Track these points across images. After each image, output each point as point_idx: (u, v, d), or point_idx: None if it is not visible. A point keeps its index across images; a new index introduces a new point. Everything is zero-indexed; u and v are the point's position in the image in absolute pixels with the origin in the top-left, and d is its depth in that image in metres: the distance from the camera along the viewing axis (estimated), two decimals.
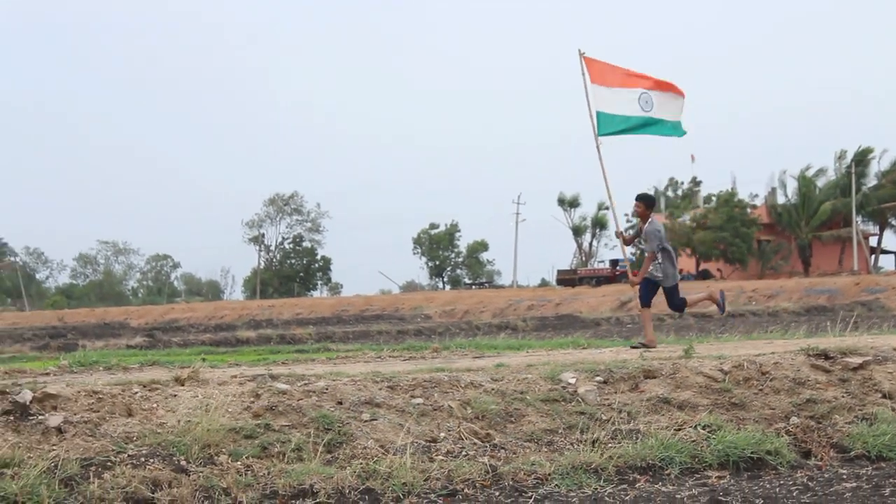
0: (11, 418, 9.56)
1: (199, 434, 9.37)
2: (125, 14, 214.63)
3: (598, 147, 17.10)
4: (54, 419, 9.55)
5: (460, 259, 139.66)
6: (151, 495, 8.32)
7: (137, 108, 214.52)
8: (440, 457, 9.72)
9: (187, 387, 11.00)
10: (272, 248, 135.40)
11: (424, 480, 9.11)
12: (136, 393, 10.58)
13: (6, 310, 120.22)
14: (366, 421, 10.29)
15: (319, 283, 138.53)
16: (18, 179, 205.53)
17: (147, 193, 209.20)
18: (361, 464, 9.28)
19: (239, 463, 9.06)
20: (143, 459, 8.87)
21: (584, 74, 17.25)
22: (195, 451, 9.14)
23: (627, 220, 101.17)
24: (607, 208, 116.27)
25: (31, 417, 9.60)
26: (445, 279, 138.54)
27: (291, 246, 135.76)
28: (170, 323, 67.24)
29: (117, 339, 44.80)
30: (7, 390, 10.17)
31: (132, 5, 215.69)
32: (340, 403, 10.59)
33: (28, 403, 9.81)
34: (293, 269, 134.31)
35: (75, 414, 9.76)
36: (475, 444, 10.23)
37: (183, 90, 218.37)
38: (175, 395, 10.58)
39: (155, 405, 10.31)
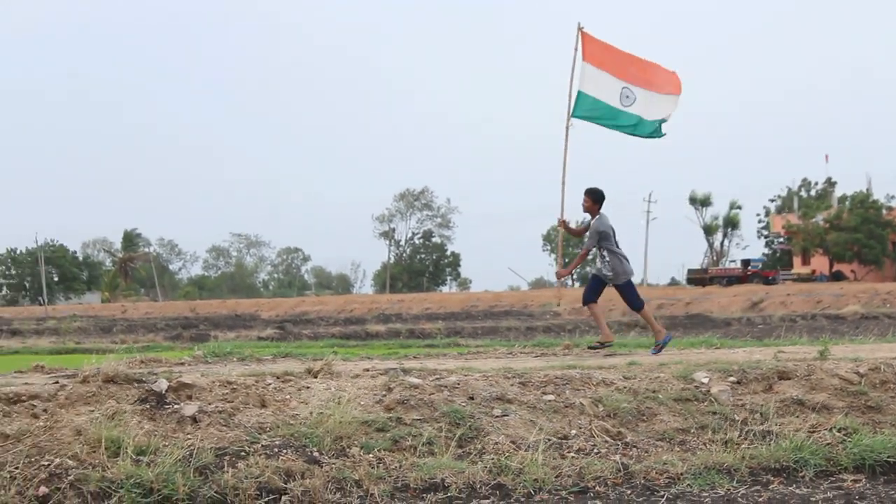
0: (147, 407, 9.71)
1: (332, 426, 9.42)
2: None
3: (567, 127, 16.35)
4: (189, 408, 9.68)
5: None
6: (284, 486, 8.38)
7: (270, 106, 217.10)
8: (571, 454, 9.64)
9: (320, 379, 11.07)
10: (402, 242, 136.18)
11: (555, 477, 9.04)
12: (270, 384, 10.68)
13: (140, 300, 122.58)
14: (497, 416, 10.26)
15: (448, 278, 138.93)
16: (153, 172, 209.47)
17: (280, 188, 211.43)
18: (492, 459, 9.24)
19: (371, 455, 9.08)
20: (276, 450, 8.95)
21: (576, 49, 16.34)
22: (327, 443, 9.19)
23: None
24: (740, 207, 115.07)
25: (167, 406, 9.74)
26: (575, 276, 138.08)
27: (421, 241, 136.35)
28: (300, 315, 67.91)
29: (248, 331, 45.37)
30: (143, 379, 10.34)
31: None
32: (472, 398, 10.58)
33: (164, 392, 9.96)
34: (422, 264, 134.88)
35: (210, 404, 9.88)
36: (606, 441, 10.13)
37: (315, 86, 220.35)
38: (308, 387, 10.66)
39: (288, 396, 10.40)
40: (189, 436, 9.12)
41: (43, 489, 8.00)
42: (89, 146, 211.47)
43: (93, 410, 9.53)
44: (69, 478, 8.14)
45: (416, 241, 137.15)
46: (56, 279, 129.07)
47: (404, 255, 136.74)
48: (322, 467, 8.74)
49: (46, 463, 8.34)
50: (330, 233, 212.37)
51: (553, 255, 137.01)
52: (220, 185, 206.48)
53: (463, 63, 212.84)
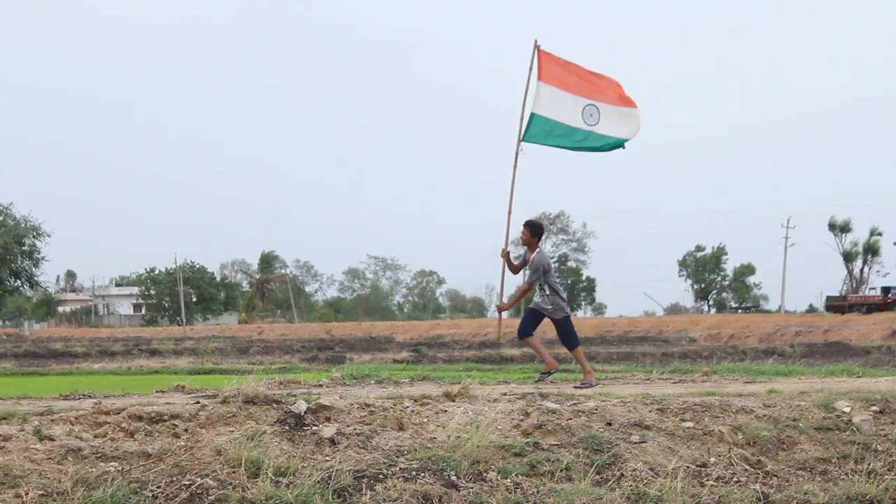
0: (286, 428, 9.80)
1: (469, 450, 9.41)
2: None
3: (517, 152, 15.60)
4: (328, 430, 9.74)
5: (726, 282, 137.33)
6: None
7: (402, 130, 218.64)
8: (710, 482, 9.50)
9: (457, 402, 11.08)
10: None
11: None
12: (408, 407, 10.71)
13: (276, 321, 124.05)
14: (635, 443, 10.16)
15: (583, 302, 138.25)
16: (290, 196, 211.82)
17: (415, 209, 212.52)
18: (631, 486, 9.16)
19: (508, 480, 9.05)
20: (414, 473, 8.96)
21: (531, 68, 15.60)
22: (465, 467, 9.18)
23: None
24: (881, 234, 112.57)
25: (306, 428, 9.82)
26: (711, 302, 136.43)
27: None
28: (434, 338, 68.18)
29: (384, 353, 45.67)
30: (282, 400, 10.44)
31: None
32: (609, 424, 10.49)
33: (303, 414, 10.04)
34: None
35: (348, 426, 9.94)
36: (746, 470, 9.98)
37: (446, 111, 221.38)
38: (445, 411, 10.67)
39: (426, 420, 10.43)
40: (327, 458, 9.18)
41: None
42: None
43: (232, 431, 9.64)
44: (210, 498, 8.24)
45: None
46: (194, 300, 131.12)
47: None
48: (459, 491, 8.72)
49: (188, 483, 8.45)
50: (465, 256, 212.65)
51: (689, 281, 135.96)
52: (356, 208, 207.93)
53: None
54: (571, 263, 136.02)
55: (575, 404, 10.97)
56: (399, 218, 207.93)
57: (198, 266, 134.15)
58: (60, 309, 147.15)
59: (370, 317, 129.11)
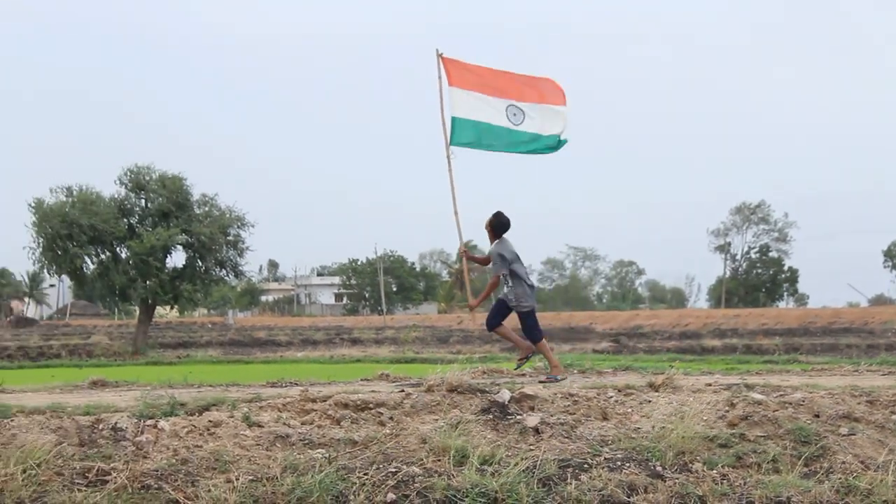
0: (490, 417, 9.86)
1: (674, 440, 9.33)
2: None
3: (448, 157, 14.96)
4: (531, 419, 9.77)
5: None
6: (627, 499, 8.33)
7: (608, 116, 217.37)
8: None
9: (661, 393, 11.00)
10: (738, 257, 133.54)
11: None
12: (611, 397, 10.68)
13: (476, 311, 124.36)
14: (844, 435, 9.93)
15: (785, 293, 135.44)
16: (492, 183, 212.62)
17: (613, 199, 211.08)
18: (840, 479, 8.94)
19: (714, 471, 8.94)
20: (618, 463, 8.92)
21: (440, 77, 15.15)
22: (669, 458, 9.10)
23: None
24: None
25: (510, 417, 9.87)
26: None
27: (758, 255, 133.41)
28: (634, 329, 67.68)
29: (584, 343, 45.55)
30: (486, 389, 10.51)
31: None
32: (817, 416, 10.28)
33: (506, 403, 10.10)
34: (759, 279, 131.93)
35: (552, 415, 9.95)
36: None
37: (654, 95, 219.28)
38: (649, 401, 10.61)
39: (629, 410, 10.38)
40: (532, 447, 9.21)
41: (391, 495, 8.21)
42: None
43: (437, 419, 9.75)
44: (416, 485, 8.32)
45: (753, 256, 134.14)
46: (394, 289, 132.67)
47: (740, 269, 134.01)
48: (665, 482, 8.65)
49: (394, 470, 8.56)
50: (665, 246, 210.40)
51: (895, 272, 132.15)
52: (556, 198, 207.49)
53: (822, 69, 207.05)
54: (773, 254, 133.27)
55: (781, 395, 10.79)
56: (598, 207, 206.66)
57: (398, 256, 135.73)
58: (263, 298, 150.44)
59: (569, 307, 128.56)
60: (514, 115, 15.18)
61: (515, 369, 14.85)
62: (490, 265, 14.73)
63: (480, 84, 15.23)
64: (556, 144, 15.39)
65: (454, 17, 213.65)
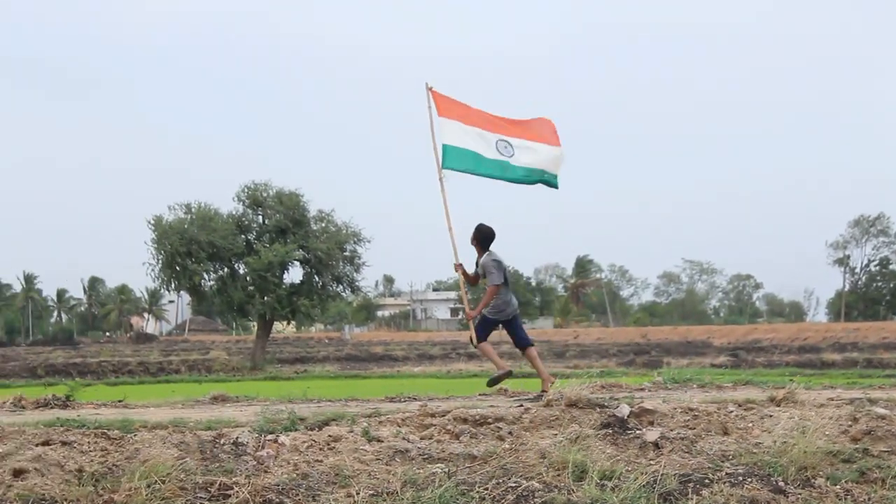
0: (610, 431, 9.82)
1: (796, 455, 9.21)
2: None
3: (440, 179, 14.93)
4: (651, 434, 9.71)
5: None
6: None
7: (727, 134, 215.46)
8: None
9: (782, 407, 10.87)
10: (857, 270, 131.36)
11: None
12: (732, 412, 10.58)
13: (591, 325, 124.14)
14: None
15: None
16: (607, 199, 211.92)
17: (731, 214, 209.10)
18: None
19: (837, 487, 8.81)
20: (740, 478, 8.82)
21: (430, 108, 15.13)
22: (791, 473, 8.99)
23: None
24: None
25: (629, 431, 9.82)
26: None
27: (877, 268, 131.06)
28: (752, 343, 66.91)
29: (701, 358, 45.15)
30: (605, 404, 10.47)
31: None
32: None
33: (626, 418, 10.05)
34: (879, 292, 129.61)
35: (671, 430, 9.89)
36: None
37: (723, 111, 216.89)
38: (770, 416, 10.49)
39: (750, 424, 10.27)
40: (652, 461, 9.16)
41: None
42: None
43: (556, 434, 9.74)
44: (536, 500, 8.32)
45: (872, 269, 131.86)
46: None
47: (860, 282, 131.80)
48: (787, 497, 8.55)
49: (514, 485, 8.57)
50: (782, 260, 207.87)
51: None
52: (672, 212, 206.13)
53: None
54: (893, 267, 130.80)
55: None
56: (713, 223, 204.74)
57: (513, 270, 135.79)
58: (379, 313, 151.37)
59: (686, 321, 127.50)
60: (505, 148, 15.12)
61: (488, 386, 14.73)
62: (482, 280, 14.80)
63: (468, 117, 15.25)
64: (542, 180, 15.29)
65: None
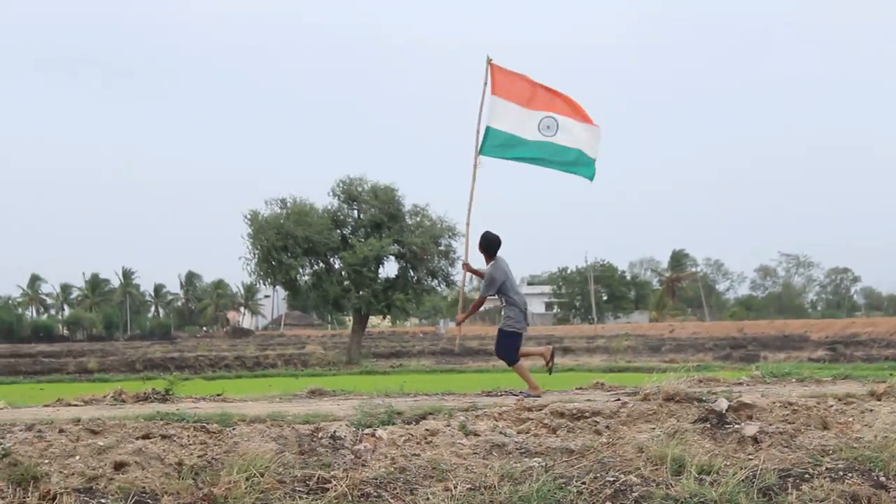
0: (708, 426, 9.76)
1: None
2: None
3: (475, 165, 14.90)
4: (750, 428, 9.64)
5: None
6: None
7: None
8: None
9: (884, 402, 10.73)
10: None
11: None
12: (832, 406, 10.47)
13: (687, 319, 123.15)
14: None
15: None
16: (698, 191, 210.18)
17: (825, 206, 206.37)
18: None
19: None
20: (840, 473, 8.73)
21: (486, 83, 15.13)
22: (893, 468, 8.87)
23: None
24: None
25: (727, 426, 9.75)
26: None
27: None
28: (850, 337, 65.98)
29: (798, 352, 44.68)
30: (703, 398, 10.41)
31: None
32: None
33: (724, 412, 9.98)
34: None
35: (770, 424, 9.81)
36: None
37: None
38: (871, 410, 10.36)
39: (850, 419, 10.16)
40: (750, 456, 9.09)
41: None
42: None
43: (653, 428, 9.70)
44: (633, 494, 8.30)
45: None
46: (605, 298, 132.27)
47: None
48: (889, 493, 8.44)
49: (611, 479, 8.56)
50: (882, 253, 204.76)
51: None
52: (767, 204, 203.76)
53: None
54: None
55: None
56: (812, 216, 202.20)
57: (608, 264, 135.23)
58: None
59: (782, 315, 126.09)
60: (548, 127, 15.06)
61: (550, 373, 14.67)
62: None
63: (520, 95, 15.27)
64: (576, 168, 15.19)
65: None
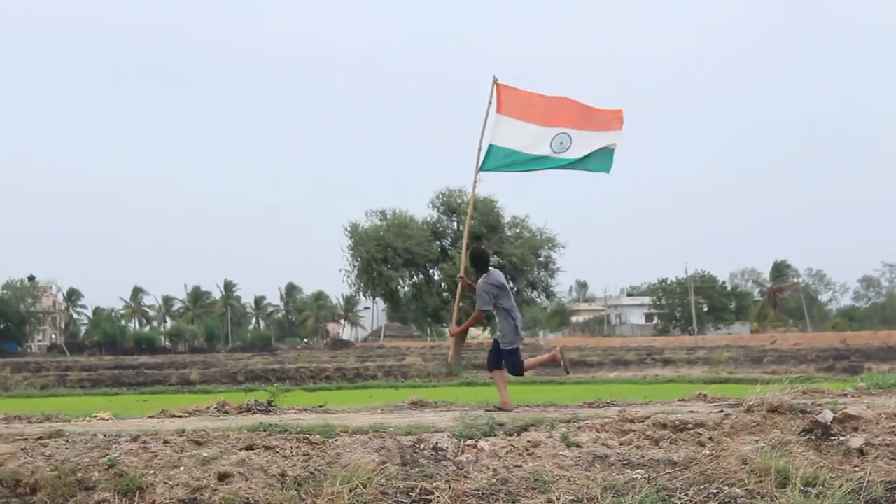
0: (813, 437, 9.68)
1: None
2: None
3: (475, 181, 15.07)
4: (856, 440, 9.54)
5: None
6: None
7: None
8: None
9: None
10: None
11: None
12: None
13: (789, 330, 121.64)
14: None
15: None
16: (797, 202, 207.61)
17: None
18: None
19: None
20: None
21: (490, 102, 15.02)
22: None
23: None
24: None
25: (833, 438, 9.66)
26: None
27: None
28: None
29: None
30: (807, 410, 10.31)
31: None
32: None
33: (829, 424, 9.88)
34: None
35: (876, 436, 9.70)
36: None
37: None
38: None
39: None
40: (856, 468, 9.00)
41: None
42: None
43: (757, 440, 9.64)
44: None
45: None
46: (705, 309, 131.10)
47: None
48: None
49: (715, 491, 8.53)
50: None
51: None
52: (866, 216, 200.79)
53: None
54: None
55: None
56: None
57: (708, 275, 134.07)
58: (573, 319, 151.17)
59: (887, 325, 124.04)
60: (561, 143, 15.00)
61: (567, 373, 14.91)
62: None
63: (530, 114, 15.22)
64: (607, 167, 15.08)
65: None
